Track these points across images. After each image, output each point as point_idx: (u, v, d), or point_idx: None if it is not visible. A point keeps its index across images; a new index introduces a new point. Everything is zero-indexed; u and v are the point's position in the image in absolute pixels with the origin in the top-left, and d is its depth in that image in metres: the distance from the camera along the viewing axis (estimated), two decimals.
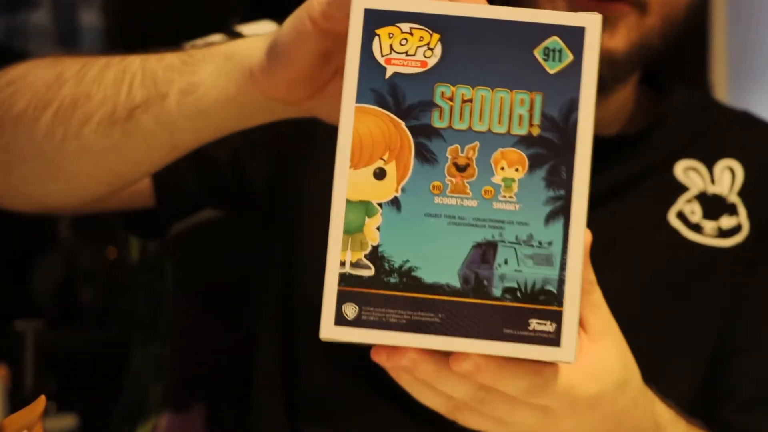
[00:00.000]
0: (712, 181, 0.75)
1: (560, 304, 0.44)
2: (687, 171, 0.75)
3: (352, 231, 0.45)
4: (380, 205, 0.45)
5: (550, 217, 0.45)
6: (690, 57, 1.01)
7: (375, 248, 0.45)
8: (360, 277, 0.44)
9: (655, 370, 0.54)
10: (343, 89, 0.46)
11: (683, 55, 0.98)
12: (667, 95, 0.80)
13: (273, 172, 0.77)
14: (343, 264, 0.44)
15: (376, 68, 0.45)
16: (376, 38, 0.45)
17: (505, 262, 0.44)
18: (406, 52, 0.45)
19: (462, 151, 0.45)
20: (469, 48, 0.46)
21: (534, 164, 0.45)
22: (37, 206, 0.73)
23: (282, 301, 0.78)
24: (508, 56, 0.46)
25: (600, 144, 0.55)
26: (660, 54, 0.73)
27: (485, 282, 0.44)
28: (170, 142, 0.63)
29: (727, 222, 0.74)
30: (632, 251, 0.73)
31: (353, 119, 0.45)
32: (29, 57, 1.37)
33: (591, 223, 0.46)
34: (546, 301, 0.44)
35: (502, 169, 0.45)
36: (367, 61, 0.46)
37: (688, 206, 0.74)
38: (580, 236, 0.45)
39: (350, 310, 0.44)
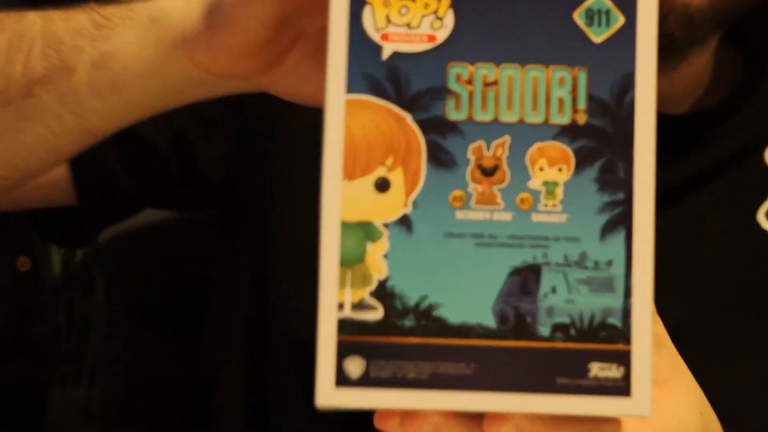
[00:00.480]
0: None
1: (627, 341, 0.38)
2: None
3: (352, 262, 0.39)
4: (386, 225, 0.39)
5: (607, 229, 0.39)
6: None
7: (382, 283, 0.38)
8: (365, 323, 0.38)
9: (745, 416, 0.49)
10: (327, 76, 0.40)
11: None
12: (757, 57, 0.69)
13: (233, 157, 0.69)
14: (341, 306, 0.38)
15: (370, 47, 0.40)
16: (368, 7, 0.39)
17: (553, 290, 0.39)
18: (408, 24, 0.40)
19: (488, 149, 0.39)
20: (490, 14, 0.40)
21: (582, 161, 0.39)
22: None
23: (250, 325, 0.71)
24: (541, 22, 0.40)
25: (668, 125, 0.50)
26: (751, 5, 0.62)
27: (528, 319, 0.39)
28: (80, 127, 0.55)
29: None
30: (712, 263, 0.63)
31: (344, 115, 0.40)
32: None
33: (657, 229, 0.39)
34: (609, 338, 0.38)
35: (542, 169, 0.39)
36: (357, 39, 0.40)
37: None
38: (648, 251, 0.39)
39: (354, 367, 0.38)
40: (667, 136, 0.51)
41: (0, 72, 0.55)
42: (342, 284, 0.39)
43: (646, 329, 0.39)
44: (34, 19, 0.55)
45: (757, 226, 0.64)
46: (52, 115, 0.55)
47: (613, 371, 0.38)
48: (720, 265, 0.64)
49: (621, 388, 0.38)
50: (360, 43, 0.39)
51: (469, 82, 0.39)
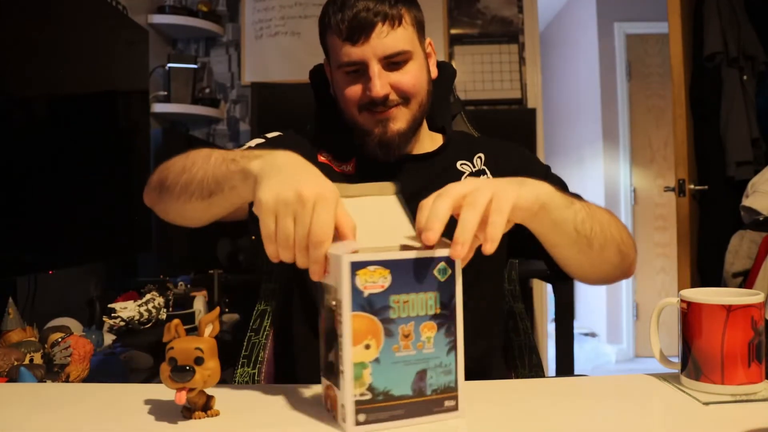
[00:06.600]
0: (473, 165, 0.95)
1: (456, 390, 0.57)
2: (462, 165, 0.95)
3: (357, 378, 0.54)
4: (370, 363, 0.55)
5: (448, 352, 0.56)
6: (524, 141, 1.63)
7: (369, 384, 0.55)
8: (362, 400, 0.55)
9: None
10: (342, 305, 0.53)
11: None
12: (448, 135, 0.99)
13: None
14: (355, 395, 0.54)
15: (359, 292, 0.54)
16: (358, 275, 0.53)
17: (431, 377, 0.56)
18: (374, 281, 0.54)
19: (406, 327, 0.55)
20: (405, 275, 0.55)
21: (440, 327, 0.56)
22: (180, 222, 0.81)
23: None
24: (422, 276, 0.55)
25: (421, 156, 0.91)
26: (420, 120, 0.92)
27: (423, 389, 0.56)
28: (230, 207, 0.72)
29: (483, 178, 0.87)
30: None
31: (351, 321, 0.54)
32: (216, 146, 1.89)
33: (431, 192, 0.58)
34: (451, 390, 0.57)
35: (425, 332, 0.56)
36: (354, 289, 0.53)
37: (467, 179, 0.92)
38: (461, 356, 0.56)
39: (360, 417, 0.55)
40: (422, 160, 0.85)
41: (204, 187, 0.69)
42: (355, 386, 0.54)
43: (462, 384, 0.56)
44: (216, 167, 0.69)
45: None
46: (219, 203, 0.70)
47: (452, 402, 0.56)
48: None
49: (454, 406, 0.56)
50: (355, 290, 0.53)
51: (397, 302, 0.54)
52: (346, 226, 0.56)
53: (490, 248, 0.56)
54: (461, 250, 0.55)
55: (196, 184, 0.72)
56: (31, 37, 1.37)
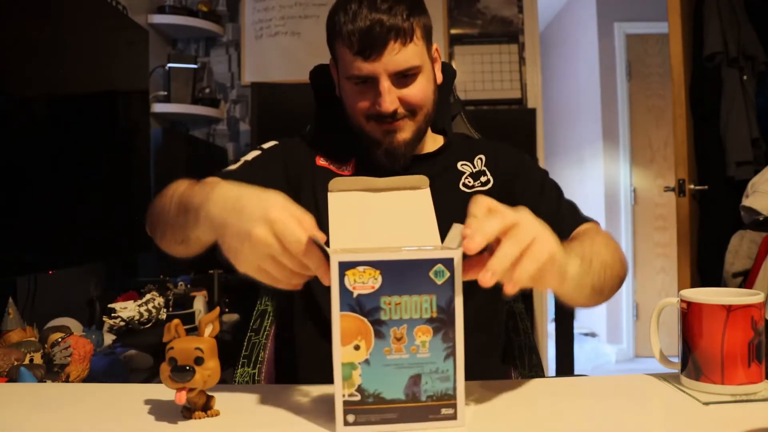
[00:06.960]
0: (474, 166, 0.96)
1: (455, 398, 0.55)
2: (462, 165, 0.97)
3: (346, 378, 0.54)
4: (359, 363, 0.54)
5: (446, 358, 0.54)
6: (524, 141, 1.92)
7: (359, 385, 0.54)
8: (351, 401, 0.54)
9: None
10: (332, 304, 0.53)
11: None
12: (449, 137, 1.02)
13: None
14: (344, 395, 0.54)
15: (348, 292, 0.53)
16: (346, 276, 0.53)
17: (425, 383, 0.54)
18: (363, 282, 0.53)
19: (398, 330, 0.54)
20: (396, 276, 0.53)
21: (435, 332, 0.54)
22: (174, 255, 0.80)
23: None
24: (416, 277, 0.53)
25: (424, 156, 0.94)
26: (425, 129, 0.93)
27: (416, 394, 0.55)
28: (205, 245, 0.70)
29: (483, 179, 0.95)
30: (447, 202, 0.78)
31: (340, 320, 0.53)
32: (216, 147, 2.39)
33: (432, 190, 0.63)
34: (448, 398, 0.55)
35: (420, 336, 0.54)
36: (343, 289, 0.53)
37: (467, 179, 0.95)
38: (461, 364, 0.54)
39: (350, 417, 0.54)
40: (426, 159, 0.87)
41: (176, 234, 0.70)
42: (343, 386, 0.53)
43: (461, 392, 0.54)
44: (177, 190, 0.72)
45: (459, 188, 0.94)
46: (194, 243, 0.69)
47: (450, 410, 0.54)
48: (450, 202, 0.81)
49: (453, 415, 0.54)
50: (344, 290, 0.53)
51: (389, 304, 0.53)
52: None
53: (511, 290, 0.54)
54: (491, 279, 0.52)
55: (169, 231, 0.73)
56: (31, 37, 1.37)
